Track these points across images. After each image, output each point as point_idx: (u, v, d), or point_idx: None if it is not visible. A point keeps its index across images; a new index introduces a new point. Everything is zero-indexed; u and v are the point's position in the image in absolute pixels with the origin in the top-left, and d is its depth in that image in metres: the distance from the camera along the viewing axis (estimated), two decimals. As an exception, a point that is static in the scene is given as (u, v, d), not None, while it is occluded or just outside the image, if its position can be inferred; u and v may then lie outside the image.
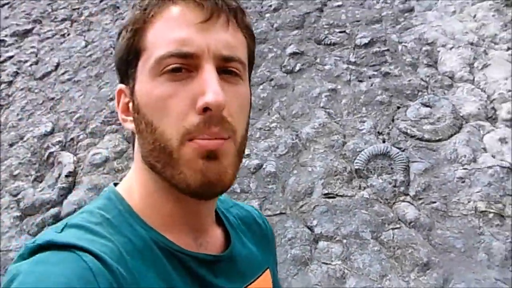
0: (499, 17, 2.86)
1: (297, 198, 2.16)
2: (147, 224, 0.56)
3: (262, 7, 3.55)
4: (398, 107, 2.48)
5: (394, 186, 2.11)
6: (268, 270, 0.69)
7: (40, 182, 2.92)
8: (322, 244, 1.97)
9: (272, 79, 2.86)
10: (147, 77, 0.54)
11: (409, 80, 2.60)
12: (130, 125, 0.58)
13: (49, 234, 0.51)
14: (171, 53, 0.52)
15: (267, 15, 3.45)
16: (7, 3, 5.58)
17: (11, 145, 3.24)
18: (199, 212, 0.60)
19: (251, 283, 0.65)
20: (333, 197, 2.12)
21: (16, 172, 2.97)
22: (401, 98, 2.53)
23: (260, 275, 0.67)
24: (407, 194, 2.08)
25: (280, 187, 2.23)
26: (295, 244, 1.98)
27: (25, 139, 3.24)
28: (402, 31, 2.96)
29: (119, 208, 0.57)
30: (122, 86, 0.59)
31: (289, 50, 3.02)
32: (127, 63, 0.57)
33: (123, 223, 0.55)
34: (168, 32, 0.54)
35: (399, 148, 2.25)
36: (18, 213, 2.72)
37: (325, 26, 3.16)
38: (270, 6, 3.50)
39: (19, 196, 2.80)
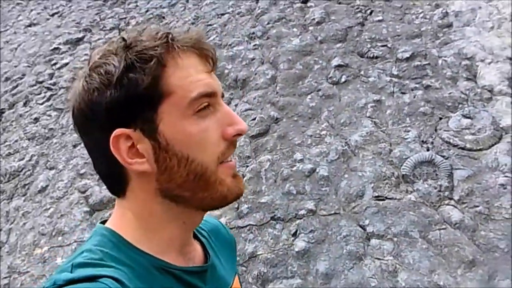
0: (535, 34, 3.03)
1: (349, 200, 2.38)
2: (141, 250, 0.63)
3: (305, 20, 3.78)
4: (440, 118, 2.68)
5: (439, 191, 2.31)
6: (236, 274, 0.82)
7: (104, 180, 3.20)
8: (374, 241, 2.19)
9: (319, 90, 3.09)
10: (179, 117, 0.61)
11: (450, 93, 2.80)
12: (142, 167, 0.62)
13: (63, 275, 0.54)
14: (202, 94, 0.62)
15: (311, 28, 3.68)
16: (57, 13, 5.94)
17: (74, 146, 3.54)
18: (193, 229, 0.71)
19: (230, 286, 0.77)
20: (383, 200, 2.33)
21: (82, 171, 3.26)
22: (442, 109, 2.72)
23: (234, 279, 0.79)
24: (452, 199, 2.28)
25: (333, 189, 2.46)
26: (349, 241, 2.20)
27: (87, 141, 3.53)
28: (442, 45, 3.15)
29: (113, 240, 0.62)
30: (123, 130, 0.61)
31: (334, 62, 3.25)
32: (137, 107, 0.60)
33: (120, 253, 0.61)
34: (192, 77, 0.62)
35: (443, 156, 2.45)
36: (87, 208, 3.00)
37: (367, 40, 3.37)
38: (314, 19, 3.72)
39: (87, 193, 3.08)
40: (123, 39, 0.62)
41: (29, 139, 3.72)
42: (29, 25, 5.87)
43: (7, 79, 4.73)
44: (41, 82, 4.35)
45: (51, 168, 3.37)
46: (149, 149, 0.61)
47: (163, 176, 0.62)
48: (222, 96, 0.66)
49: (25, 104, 4.18)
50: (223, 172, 0.64)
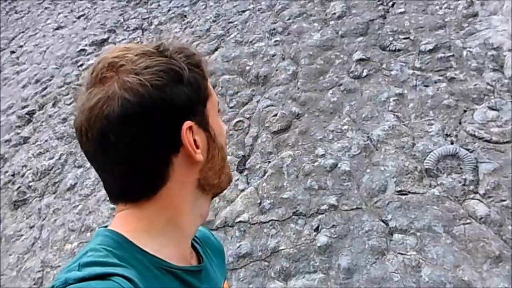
0: None
1: (371, 194, 2.37)
2: (143, 249, 0.65)
3: (326, 15, 3.76)
4: (465, 111, 2.62)
5: (464, 185, 2.27)
6: (225, 280, 0.87)
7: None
8: (397, 236, 2.17)
9: (340, 84, 3.07)
10: (216, 115, 0.74)
11: (475, 85, 2.73)
12: (200, 157, 0.69)
13: (72, 274, 0.55)
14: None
15: (332, 22, 3.65)
16: (83, 15, 6.09)
17: (101, 144, 3.64)
18: (200, 224, 0.77)
19: None
20: (406, 194, 2.31)
21: (109, 169, 3.35)
22: (467, 102, 2.66)
23: (224, 282, 0.86)
24: (477, 193, 2.23)
25: (355, 184, 2.45)
26: (372, 236, 2.19)
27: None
28: (467, 36, 3.07)
29: (115, 239, 0.64)
30: (191, 122, 0.67)
31: (356, 56, 3.22)
32: (196, 103, 0.69)
33: (123, 252, 0.62)
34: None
35: (468, 150, 2.40)
36: (114, 205, 3.08)
37: (389, 33, 3.32)
38: (334, 13, 3.70)
39: (114, 190, 3.17)
40: (163, 44, 0.68)
41: (58, 139, 3.84)
42: (57, 28, 6.04)
43: (37, 81, 4.90)
44: (68, 83, 4.48)
45: (79, 167, 3.48)
46: (204, 140, 0.70)
47: (208, 164, 0.71)
48: None
49: (54, 105, 4.31)
50: None
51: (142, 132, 0.63)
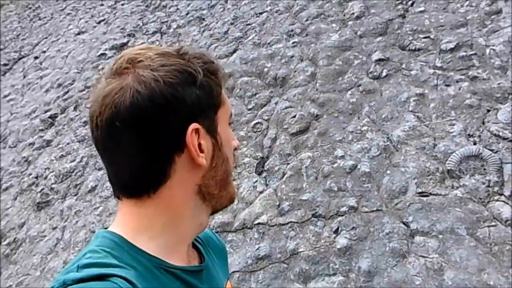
0: None
1: (392, 196, 2.33)
2: (142, 250, 0.65)
3: (344, 15, 3.73)
4: (488, 110, 2.56)
5: (488, 186, 2.21)
6: (228, 280, 0.86)
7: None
8: (418, 238, 2.13)
9: (360, 85, 3.04)
10: (225, 124, 0.73)
11: (499, 83, 2.66)
12: (203, 161, 0.68)
13: (71, 275, 0.55)
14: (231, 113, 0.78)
15: (350, 22, 3.62)
16: (103, 20, 6.19)
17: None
18: (199, 232, 0.77)
19: None
20: (427, 196, 2.27)
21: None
22: (490, 101, 2.60)
23: (226, 282, 0.84)
24: (502, 194, 2.17)
25: (375, 186, 2.41)
26: (392, 238, 2.16)
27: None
28: (490, 34, 3.00)
29: (115, 240, 0.64)
30: (197, 124, 0.67)
31: (375, 56, 3.18)
32: (209, 108, 0.70)
33: (122, 253, 0.62)
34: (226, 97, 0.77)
35: (491, 150, 2.34)
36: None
37: (408, 32, 3.27)
38: (353, 14, 3.66)
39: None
40: (184, 48, 0.69)
41: (79, 142, 3.91)
42: (78, 33, 6.16)
43: (59, 85, 5.00)
44: (89, 87, 4.56)
45: (99, 169, 3.53)
46: (209, 145, 0.69)
47: (211, 172, 0.70)
48: None
49: (75, 109, 4.40)
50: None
51: (149, 125, 0.64)
